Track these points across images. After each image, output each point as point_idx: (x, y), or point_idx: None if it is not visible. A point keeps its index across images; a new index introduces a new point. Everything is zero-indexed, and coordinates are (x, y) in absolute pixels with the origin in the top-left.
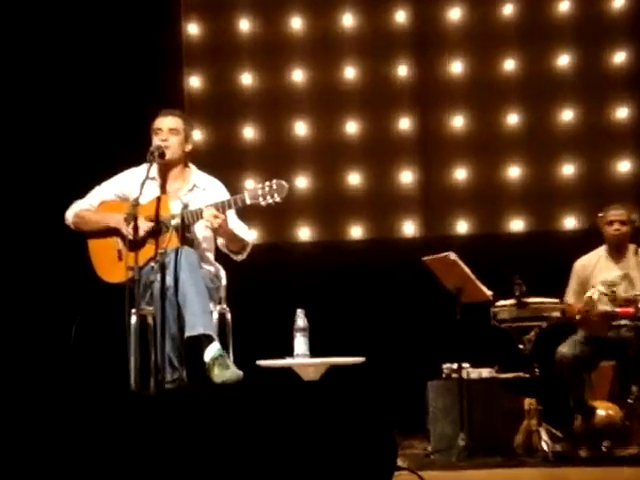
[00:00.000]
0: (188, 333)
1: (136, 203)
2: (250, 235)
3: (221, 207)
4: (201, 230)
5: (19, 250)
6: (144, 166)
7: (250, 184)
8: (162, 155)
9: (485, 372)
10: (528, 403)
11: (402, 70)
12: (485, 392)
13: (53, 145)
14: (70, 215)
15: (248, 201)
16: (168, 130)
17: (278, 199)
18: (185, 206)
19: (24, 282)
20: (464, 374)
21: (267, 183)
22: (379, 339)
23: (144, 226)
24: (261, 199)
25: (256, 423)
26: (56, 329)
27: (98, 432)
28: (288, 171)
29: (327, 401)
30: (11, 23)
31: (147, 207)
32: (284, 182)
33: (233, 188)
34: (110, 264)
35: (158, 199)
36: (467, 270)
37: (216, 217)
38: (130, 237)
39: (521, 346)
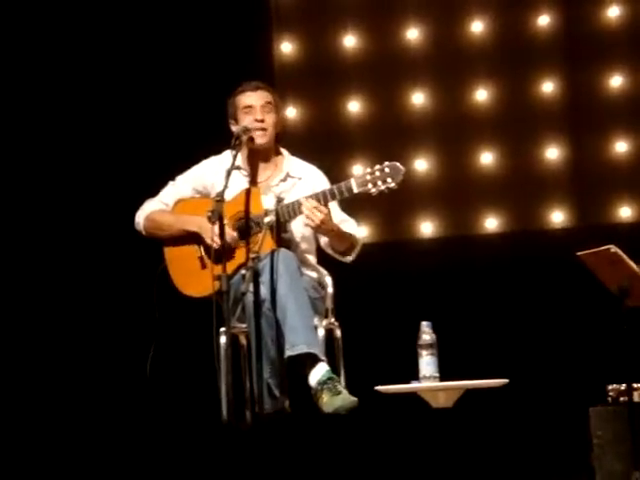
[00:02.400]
0: (288, 353)
1: (220, 198)
2: (359, 231)
3: (322, 198)
4: (299, 228)
5: (83, 261)
6: (227, 154)
7: (358, 170)
8: (251, 138)
9: None
10: None
11: (544, 19)
12: None
13: (118, 133)
14: (141, 218)
15: (355, 189)
16: (262, 106)
17: (392, 185)
18: (279, 200)
19: (90, 299)
20: (635, 397)
21: (377, 167)
22: (524, 356)
23: (230, 233)
24: (371, 186)
25: (376, 460)
26: (129, 358)
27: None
28: (404, 152)
29: (462, 433)
30: None
31: (234, 203)
32: (398, 164)
33: (336, 176)
34: (192, 274)
35: (247, 192)
36: (634, 266)
37: (318, 210)
38: (215, 244)
39: None
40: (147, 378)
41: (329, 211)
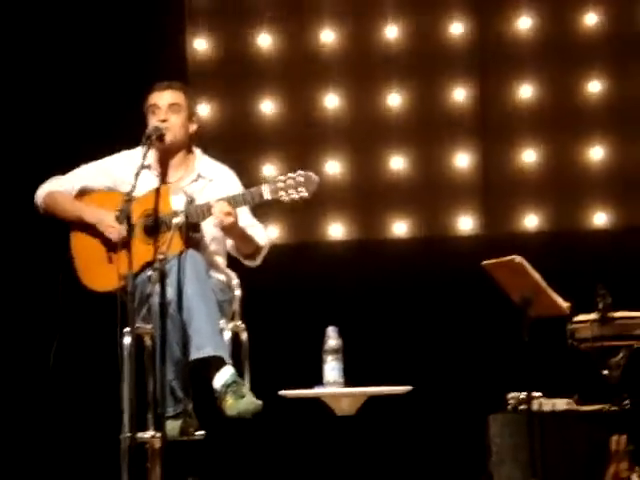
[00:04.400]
0: (194, 355)
1: (129, 198)
2: (265, 237)
3: (233, 203)
4: (210, 229)
5: None
6: (139, 150)
7: (269, 170)
8: (161, 138)
9: (561, 403)
10: (616, 442)
11: (456, 28)
12: (562, 428)
13: (31, 122)
14: (41, 194)
15: (267, 196)
16: (168, 107)
17: (305, 194)
18: (191, 200)
19: None
20: (535, 405)
21: (290, 174)
22: (428, 363)
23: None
24: (283, 194)
25: (277, 465)
26: (29, 349)
27: None
28: (316, 154)
29: (364, 439)
30: None
31: (143, 201)
32: (312, 174)
33: (248, 177)
34: (96, 267)
35: (157, 191)
36: (537, 277)
37: (228, 214)
38: (115, 239)
39: (606, 371)
40: (49, 370)
41: (236, 215)
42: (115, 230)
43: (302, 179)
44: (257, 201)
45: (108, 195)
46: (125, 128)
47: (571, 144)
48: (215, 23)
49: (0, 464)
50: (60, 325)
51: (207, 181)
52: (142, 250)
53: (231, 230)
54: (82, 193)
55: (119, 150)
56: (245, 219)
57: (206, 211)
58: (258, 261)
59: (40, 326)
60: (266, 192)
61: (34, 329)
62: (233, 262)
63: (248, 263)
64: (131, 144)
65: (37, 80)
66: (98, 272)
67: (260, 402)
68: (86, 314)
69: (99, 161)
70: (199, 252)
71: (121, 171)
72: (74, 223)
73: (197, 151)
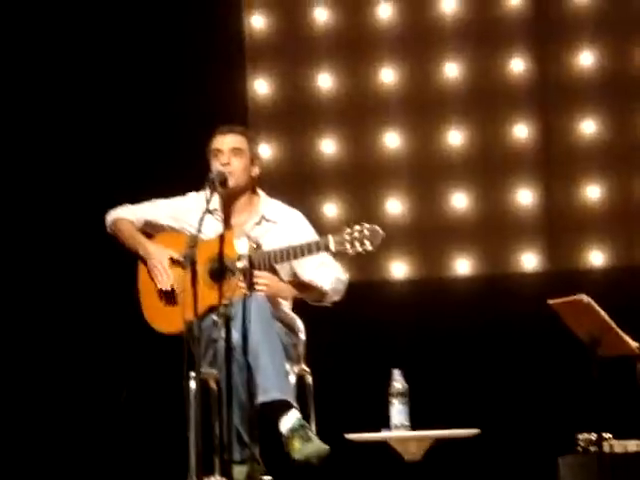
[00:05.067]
0: (260, 399)
1: (194, 244)
2: (329, 280)
3: (299, 252)
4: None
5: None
6: (204, 193)
7: (331, 210)
8: (224, 183)
9: (632, 445)
10: None
11: (517, 64)
12: (633, 470)
13: (95, 172)
14: (110, 218)
15: (333, 247)
16: (230, 151)
17: (370, 248)
18: (258, 246)
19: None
20: (605, 447)
21: (357, 227)
22: (495, 405)
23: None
24: (349, 246)
25: None
26: (90, 394)
27: None
28: (378, 193)
29: None
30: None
31: (207, 246)
32: (378, 228)
33: (310, 215)
34: (161, 306)
35: (221, 237)
36: (605, 316)
37: (265, 285)
38: (162, 286)
39: None
40: (119, 414)
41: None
42: (160, 273)
43: (368, 232)
44: (322, 251)
45: (175, 237)
46: (188, 172)
47: (635, 179)
48: (274, 64)
49: None
50: (129, 371)
51: (271, 224)
52: (207, 295)
53: (276, 296)
54: (148, 227)
55: (182, 193)
56: (314, 260)
57: (269, 260)
58: (328, 302)
59: (107, 365)
60: (332, 244)
61: (101, 368)
62: (296, 304)
63: (317, 304)
64: (193, 188)
65: (109, 119)
66: (162, 313)
67: (327, 447)
68: (153, 354)
69: (168, 200)
70: (263, 296)
71: (187, 214)
72: (138, 256)
73: (262, 194)
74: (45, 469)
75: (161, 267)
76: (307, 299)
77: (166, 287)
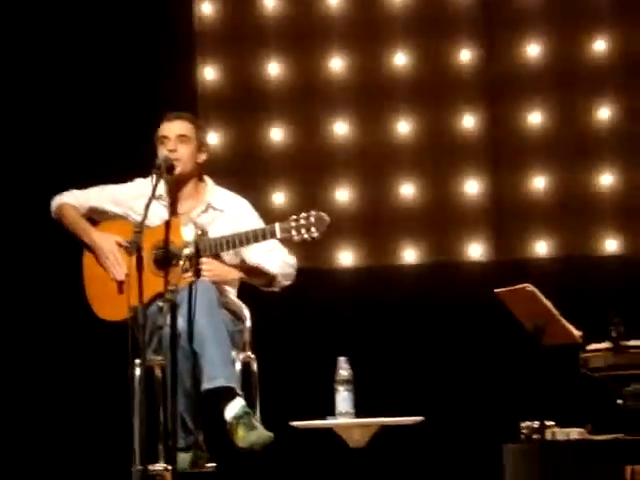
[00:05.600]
0: (205, 386)
1: (140, 229)
2: (277, 264)
3: (245, 240)
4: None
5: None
6: (150, 180)
7: (279, 198)
8: (170, 169)
9: (575, 433)
10: (630, 472)
11: (465, 54)
12: (575, 458)
13: (45, 153)
14: (55, 204)
15: (279, 234)
16: (176, 138)
17: (316, 235)
18: (203, 233)
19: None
20: (548, 435)
21: (303, 214)
22: (440, 392)
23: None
24: (294, 233)
25: None
26: (37, 374)
27: None
28: (326, 181)
29: (376, 471)
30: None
31: (153, 233)
32: (324, 215)
33: (256, 205)
34: (106, 295)
35: (167, 223)
36: (549, 305)
37: (210, 271)
38: (118, 277)
39: (620, 401)
40: (59, 400)
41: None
42: (113, 265)
43: (314, 219)
44: (268, 239)
45: (120, 224)
46: (135, 157)
47: (581, 170)
48: (224, 51)
49: None
50: (70, 355)
51: (218, 212)
52: (152, 281)
53: (223, 283)
54: (93, 213)
55: (129, 179)
56: (262, 246)
57: (217, 247)
58: (277, 288)
59: (49, 349)
60: (278, 231)
61: (43, 352)
62: (242, 291)
63: (267, 290)
64: (141, 174)
65: (57, 106)
66: (107, 301)
67: (271, 434)
68: (97, 342)
69: (114, 186)
70: (210, 283)
71: (133, 200)
72: (82, 244)
73: (209, 181)
74: None
75: (113, 258)
76: (257, 284)
77: (121, 278)
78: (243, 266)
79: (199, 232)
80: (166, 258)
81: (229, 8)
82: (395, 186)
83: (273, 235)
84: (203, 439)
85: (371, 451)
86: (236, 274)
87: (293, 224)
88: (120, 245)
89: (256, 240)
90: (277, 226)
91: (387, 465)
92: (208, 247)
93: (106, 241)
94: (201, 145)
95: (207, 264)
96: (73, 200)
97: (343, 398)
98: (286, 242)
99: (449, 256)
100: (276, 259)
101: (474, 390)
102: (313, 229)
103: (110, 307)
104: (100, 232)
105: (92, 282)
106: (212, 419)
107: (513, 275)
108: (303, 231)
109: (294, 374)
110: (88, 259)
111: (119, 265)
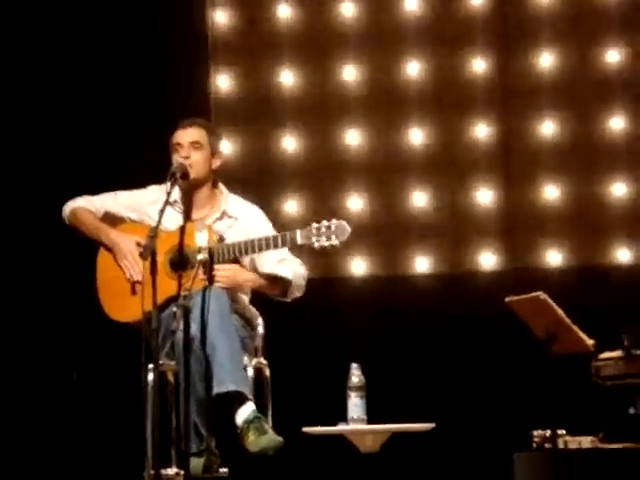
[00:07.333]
0: (216, 391)
1: (154, 234)
2: (291, 271)
3: (265, 245)
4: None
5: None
6: (165, 186)
7: (292, 207)
8: (184, 175)
9: (586, 441)
10: None
11: (478, 64)
12: (587, 466)
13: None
14: (69, 209)
15: (299, 241)
16: (190, 144)
17: (336, 243)
18: (221, 239)
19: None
20: (560, 443)
21: (325, 222)
22: (452, 400)
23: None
24: (315, 240)
25: None
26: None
27: None
28: (339, 190)
29: (388, 477)
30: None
31: (167, 237)
32: (345, 224)
33: (269, 212)
34: (119, 296)
35: (182, 229)
36: (561, 314)
37: (223, 274)
38: (134, 277)
39: (632, 410)
40: (71, 403)
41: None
42: (131, 265)
43: (334, 228)
44: (289, 245)
45: (136, 227)
46: (150, 165)
47: (594, 180)
48: (238, 60)
49: None
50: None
51: (233, 220)
52: (166, 284)
53: (238, 289)
54: (108, 218)
55: (144, 186)
56: (274, 255)
57: (231, 253)
58: (289, 298)
59: (62, 354)
60: (299, 237)
61: (56, 356)
62: (255, 298)
63: (282, 300)
64: (155, 182)
65: (73, 113)
66: (119, 301)
67: (281, 439)
68: (110, 347)
69: (129, 192)
70: (222, 289)
71: (148, 206)
72: (101, 245)
73: (223, 189)
74: None
75: (132, 258)
76: (271, 294)
77: (138, 278)
78: (262, 273)
79: (216, 237)
80: (180, 262)
81: (243, 17)
82: (408, 195)
83: (294, 241)
84: (215, 444)
85: (383, 457)
86: (254, 281)
87: (314, 231)
88: (139, 245)
89: (276, 246)
90: (298, 232)
91: (398, 471)
92: (226, 252)
93: (126, 241)
94: (214, 151)
95: (224, 271)
96: (88, 204)
97: (355, 404)
98: (296, 250)
99: (461, 266)
100: (289, 269)
101: (486, 398)
102: (334, 237)
103: (122, 308)
104: (119, 232)
105: (105, 283)
106: (224, 424)
107: (525, 285)
108: (324, 239)
109: (307, 380)
110: (102, 260)
111: (137, 265)
